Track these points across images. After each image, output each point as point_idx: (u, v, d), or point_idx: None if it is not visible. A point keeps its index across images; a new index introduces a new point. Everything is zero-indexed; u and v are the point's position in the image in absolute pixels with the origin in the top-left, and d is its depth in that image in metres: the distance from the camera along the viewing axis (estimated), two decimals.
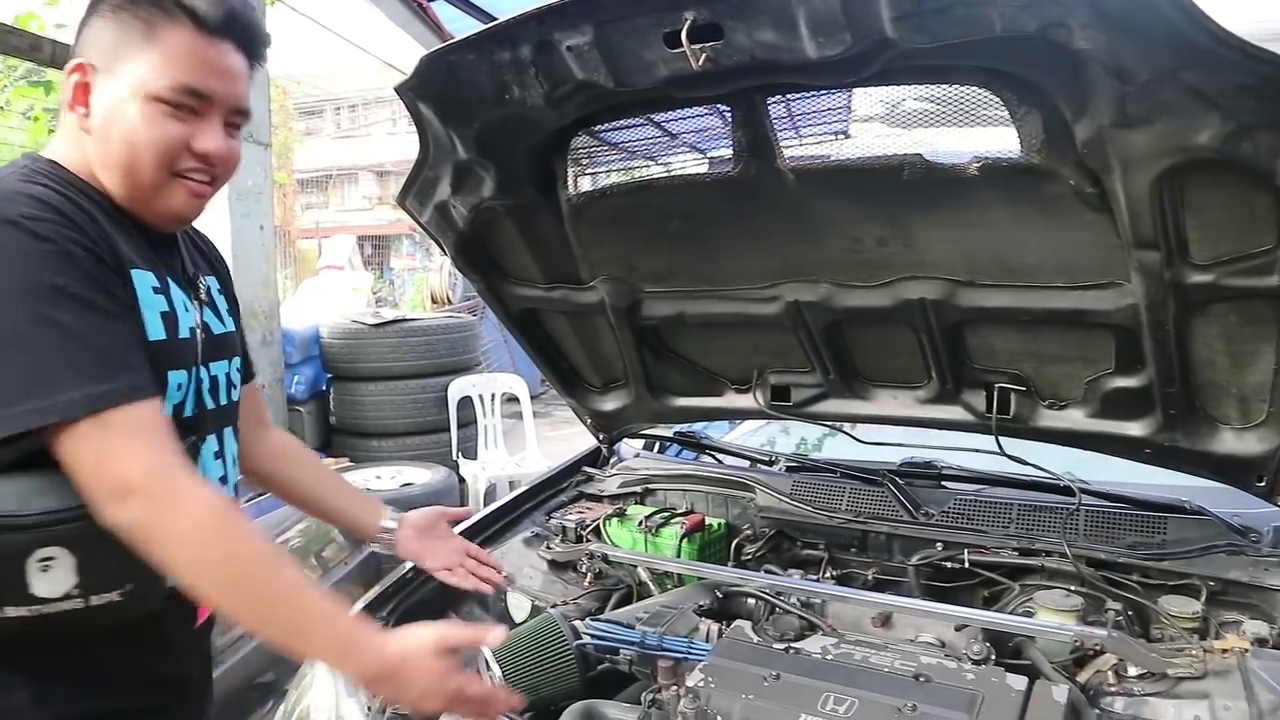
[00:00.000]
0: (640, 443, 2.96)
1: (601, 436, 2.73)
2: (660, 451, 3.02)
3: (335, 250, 10.35)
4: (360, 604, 2.00)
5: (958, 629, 1.81)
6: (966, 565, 2.06)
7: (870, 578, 2.22)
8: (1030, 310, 1.83)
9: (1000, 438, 2.09)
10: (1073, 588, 1.89)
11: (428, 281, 10.46)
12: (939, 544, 2.13)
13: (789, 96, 1.67)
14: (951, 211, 1.70)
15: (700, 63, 1.51)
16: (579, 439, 2.86)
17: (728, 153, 1.78)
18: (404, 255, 20.08)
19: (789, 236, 1.90)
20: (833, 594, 1.95)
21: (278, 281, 5.62)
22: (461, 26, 5.62)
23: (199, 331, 1.40)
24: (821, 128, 1.74)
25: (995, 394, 2.05)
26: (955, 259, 1.81)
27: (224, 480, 1.48)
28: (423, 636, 1.26)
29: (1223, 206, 1.49)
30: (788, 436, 3.42)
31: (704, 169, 1.84)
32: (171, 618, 1.35)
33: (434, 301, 10.06)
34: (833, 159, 1.69)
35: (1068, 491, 2.16)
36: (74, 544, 1.16)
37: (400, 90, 1.78)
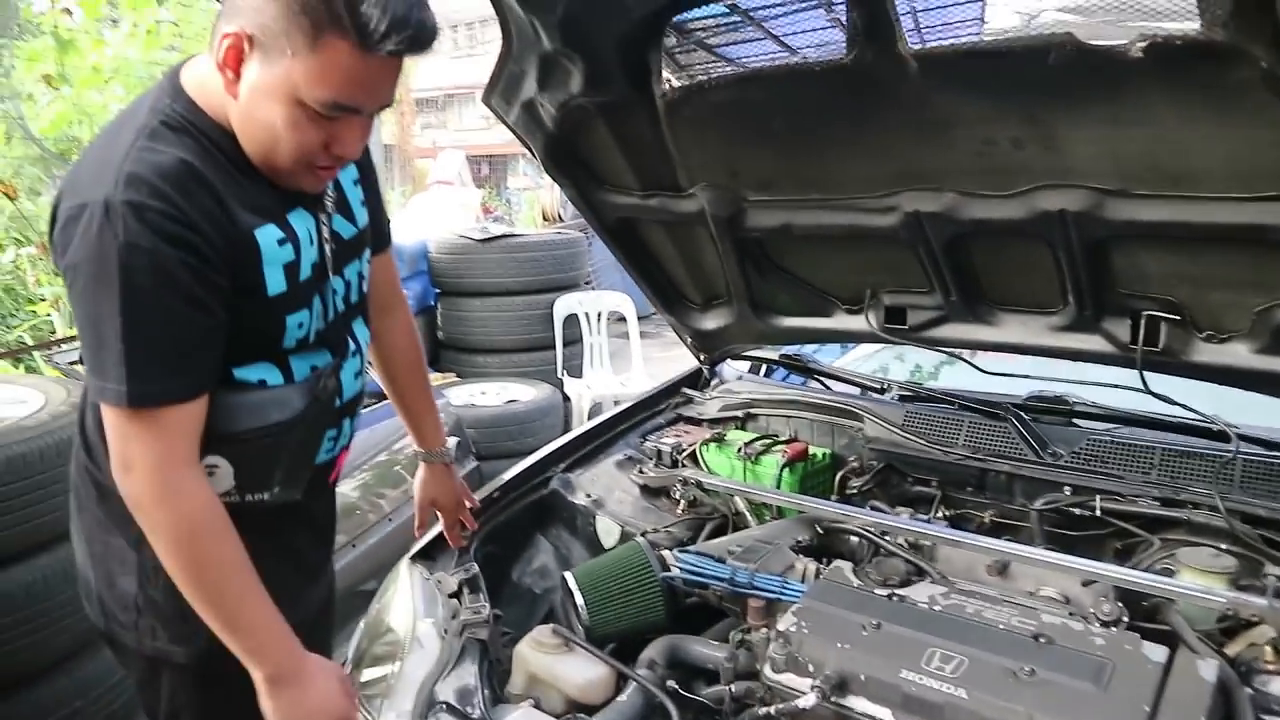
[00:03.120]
0: (744, 365, 2.81)
1: (702, 357, 2.59)
2: (764, 375, 2.86)
3: (444, 166, 10.33)
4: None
5: (1085, 584, 1.62)
6: (1098, 513, 1.85)
7: (986, 521, 2.03)
8: (1192, 225, 1.57)
9: (1145, 373, 1.85)
10: (1224, 546, 1.66)
11: (539, 199, 10.38)
12: (1067, 488, 1.92)
13: None
14: (1104, 107, 1.45)
15: None
16: (687, 361, 2.72)
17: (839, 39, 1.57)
18: (520, 175, 20.08)
19: (910, 137, 1.68)
20: (945, 537, 1.78)
21: (390, 199, 5.61)
22: None
23: (328, 244, 1.46)
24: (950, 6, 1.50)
25: (1143, 323, 1.81)
26: (1105, 164, 1.56)
27: (359, 373, 1.59)
28: (334, 666, 1.46)
29: None
30: (903, 364, 3.21)
31: (813, 58, 1.63)
32: (310, 489, 1.55)
33: (545, 219, 9.99)
34: (963, 43, 1.45)
35: (1223, 437, 1.91)
36: (235, 457, 1.37)
37: None
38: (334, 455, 1.60)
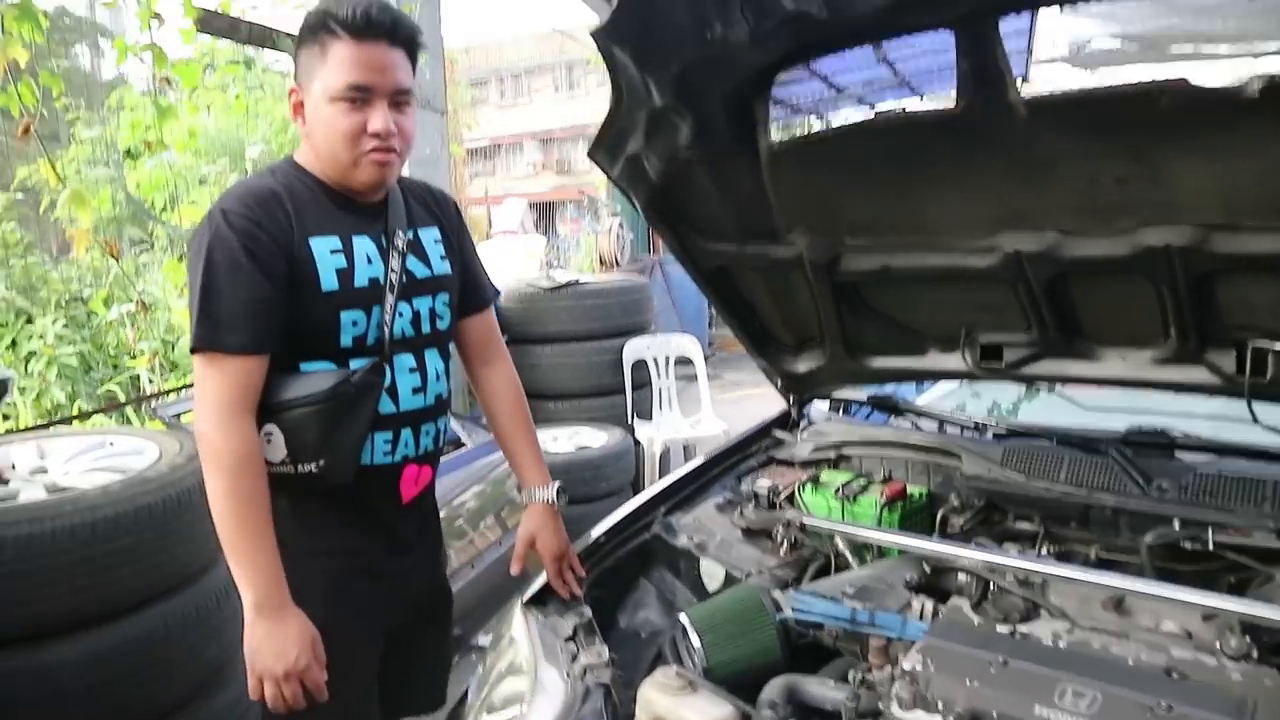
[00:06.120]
0: (826, 404, 2.83)
1: (792, 399, 2.62)
2: (841, 414, 2.87)
3: (507, 215, 10.56)
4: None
5: (1205, 618, 1.61)
6: (1210, 547, 1.84)
7: (1092, 556, 2.01)
8: None
9: (1253, 402, 1.85)
10: None
11: (596, 244, 10.53)
12: (1176, 520, 1.91)
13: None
14: (1213, 143, 1.48)
15: None
16: (749, 402, 2.77)
17: (947, 89, 1.62)
18: (568, 220, 20.41)
19: (1012, 180, 1.72)
20: (1060, 573, 1.78)
21: None
22: None
23: (396, 276, 1.76)
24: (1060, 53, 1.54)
25: (1250, 353, 1.81)
26: (1212, 199, 1.59)
27: (419, 390, 1.83)
28: (313, 632, 1.65)
29: None
30: (978, 400, 3.20)
31: (921, 107, 1.67)
32: (374, 490, 1.80)
33: (603, 263, 10.12)
34: (1074, 89, 1.49)
35: None
36: (283, 425, 1.66)
37: (596, 35, 1.70)
38: (394, 462, 1.82)
